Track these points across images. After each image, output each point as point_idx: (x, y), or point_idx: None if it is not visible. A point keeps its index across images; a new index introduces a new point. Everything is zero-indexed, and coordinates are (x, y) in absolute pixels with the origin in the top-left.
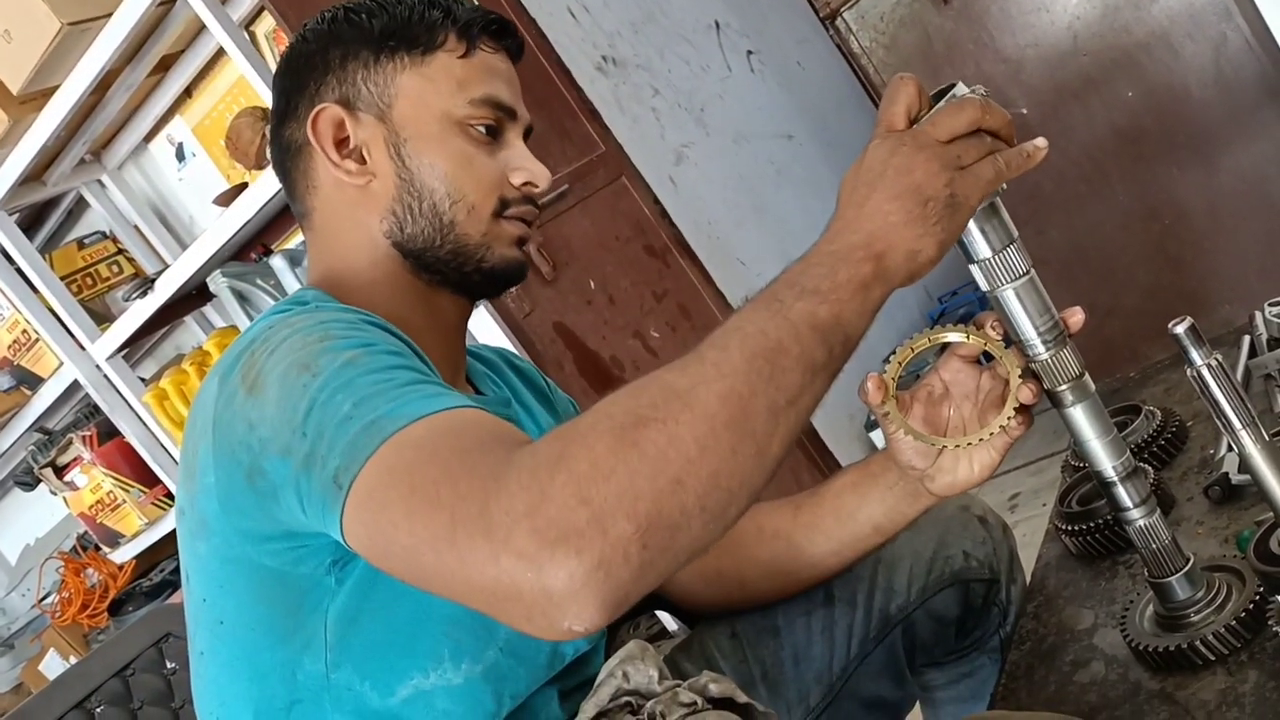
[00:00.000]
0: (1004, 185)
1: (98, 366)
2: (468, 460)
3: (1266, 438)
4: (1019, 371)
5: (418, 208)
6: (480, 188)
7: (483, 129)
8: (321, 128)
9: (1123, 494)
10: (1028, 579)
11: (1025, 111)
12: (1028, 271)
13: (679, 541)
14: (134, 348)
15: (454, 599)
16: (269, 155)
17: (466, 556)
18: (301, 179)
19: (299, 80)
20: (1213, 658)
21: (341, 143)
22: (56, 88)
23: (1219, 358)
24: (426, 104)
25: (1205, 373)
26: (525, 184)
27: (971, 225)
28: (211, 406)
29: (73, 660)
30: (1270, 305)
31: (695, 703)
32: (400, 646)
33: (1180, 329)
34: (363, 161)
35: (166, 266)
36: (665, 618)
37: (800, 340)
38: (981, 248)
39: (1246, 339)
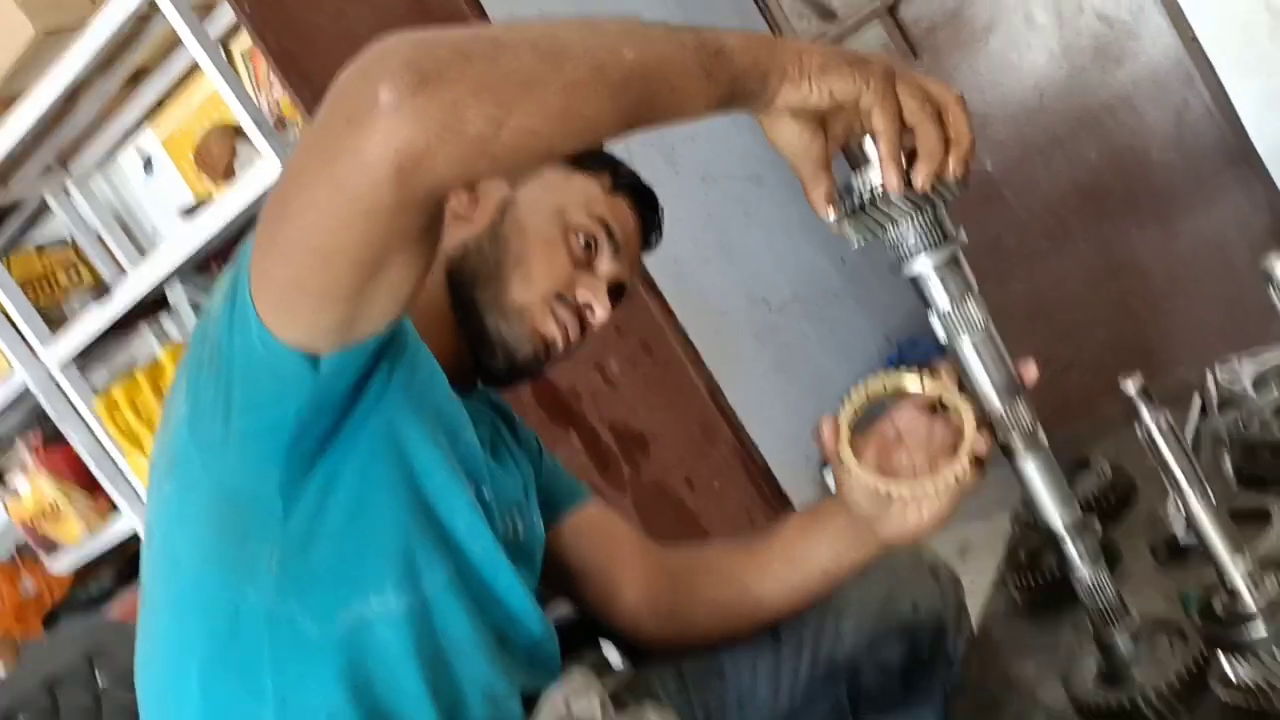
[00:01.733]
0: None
1: (49, 373)
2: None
3: (1213, 499)
4: (974, 422)
5: (487, 250)
6: (546, 271)
7: (583, 241)
8: None
9: (1071, 548)
10: (974, 629)
11: (990, 167)
12: (986, 325)
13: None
14: (88, 356)
15: (341, 195)
16: None
17: (318, 136)
18: None
19: None
20: (1154, 716)
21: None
22: (26, 93)
23: (1169, 417)
24: (551, 196)
25: (1154, 431)
26: (585, 303)
27: (932, 276)
28: (198, 324)
29: (1, 671)
30: (1222, 366)
31: None
32: (344, 574)
33: (1131, 387)
34: (475, 201)
35: (126, 275)
36: (610, 654)
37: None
38: (941, 299)
39: (1198, 399)
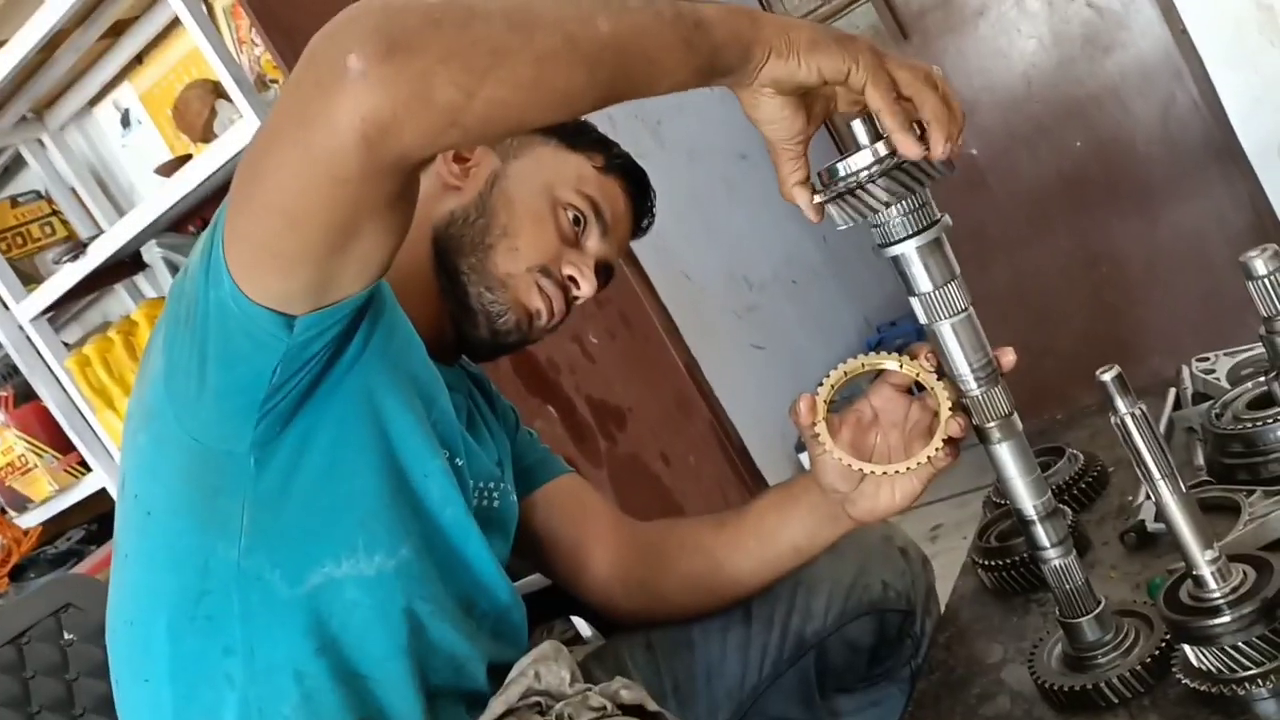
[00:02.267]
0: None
1: (20, 327)
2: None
3: (1184, 489)
4: (949, 404)
5: (474, 219)
6: (533, 244)
7: (572, 218)
8: None
9: (1041, 533)
10: (942, 610)
11: (975, 153)
12: (966, 308)
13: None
14: (60, 311)
15: (309, 160)
16: None
17: (289, 100)
18: None
19: None
20: (1116, 700)
21: (461, 157)
22: (3, 42)
23: (1143, 407)
24: (541, 172)
25: (1129, 421)
26: (570, 276)
27: (915, 257)
28: (175, 281)
29: None
30: (1198, 360)
31: (605, 707)
32: (315, 533)
33: (1107, 376)
34: (465, 170)
35: (101, 232)
36: (580, 625)
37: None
38: (923, 281)
39: (1173, 391)
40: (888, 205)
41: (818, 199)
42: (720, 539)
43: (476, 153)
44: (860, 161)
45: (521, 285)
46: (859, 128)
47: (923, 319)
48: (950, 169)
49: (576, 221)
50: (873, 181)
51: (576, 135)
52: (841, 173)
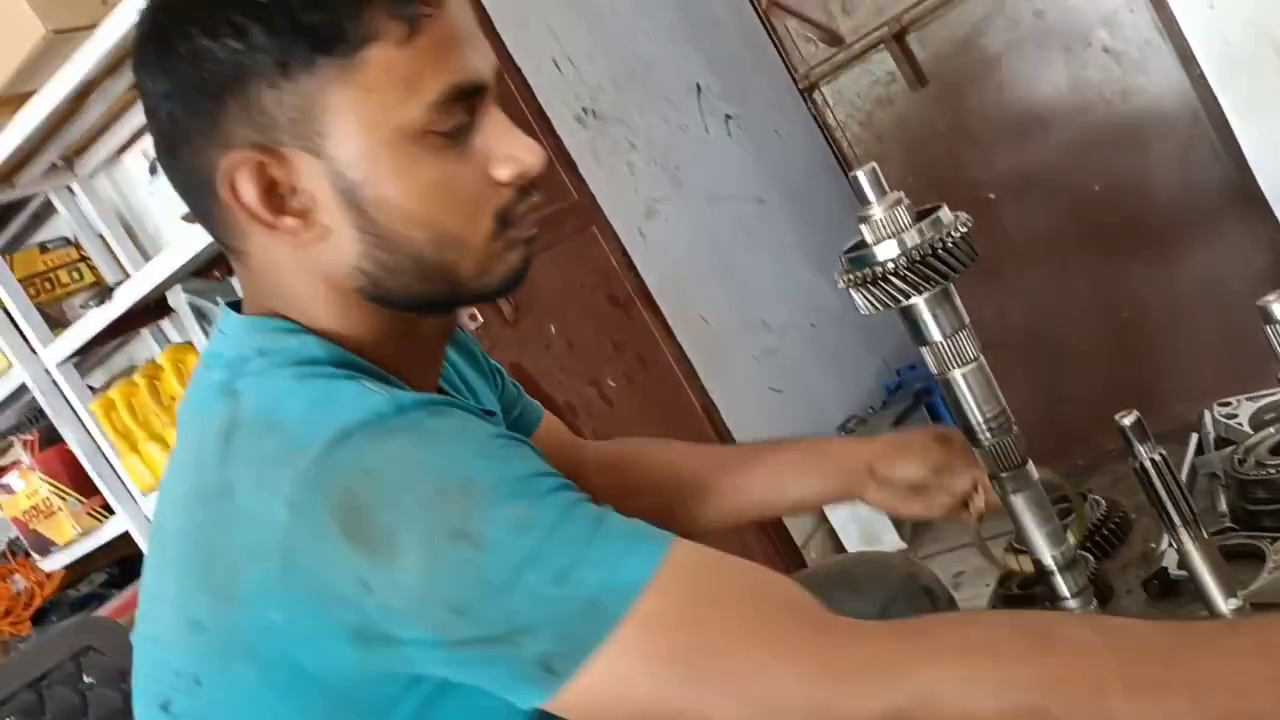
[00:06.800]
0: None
1: (47, 371)
2: (762, 632)
3: (1206, 536)
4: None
5: (394, 262)
6: (469, 216)
7: (450, 130)
8: (243, 189)
9: (1061, 583)
10: None
11: (993, 197)
12: (976, 358)
13: None
14: (87, 356)
15: None
16: (167, 176)
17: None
18: (222, 221)
19: (187, 95)
20: None
21: (270, 188)
22: (34, 92)
23: (1163, 452)
24: (372, 124)
25: (1148, 466)
26: (519, 176)
27: (924, 308)
28: (281, 537)
29: None
30: (1220, 405)
31: None
32: None
33: (1126, 421)
34: (306, 211)
35: (128, 277)
36: None
37: None
38: (933, 331)
39: (1194, 437)
40: (907, 296)
41: (840, 285)
42: (725, 484)
43: (289, 180)
44: (886, 252)
45: (499, 249)
46: (863, 179)
47: (933, 369)
48: (973, 260)
49: (456, 132)
50: (898, 275)
51: (336, 31)
52: (867, 261)
